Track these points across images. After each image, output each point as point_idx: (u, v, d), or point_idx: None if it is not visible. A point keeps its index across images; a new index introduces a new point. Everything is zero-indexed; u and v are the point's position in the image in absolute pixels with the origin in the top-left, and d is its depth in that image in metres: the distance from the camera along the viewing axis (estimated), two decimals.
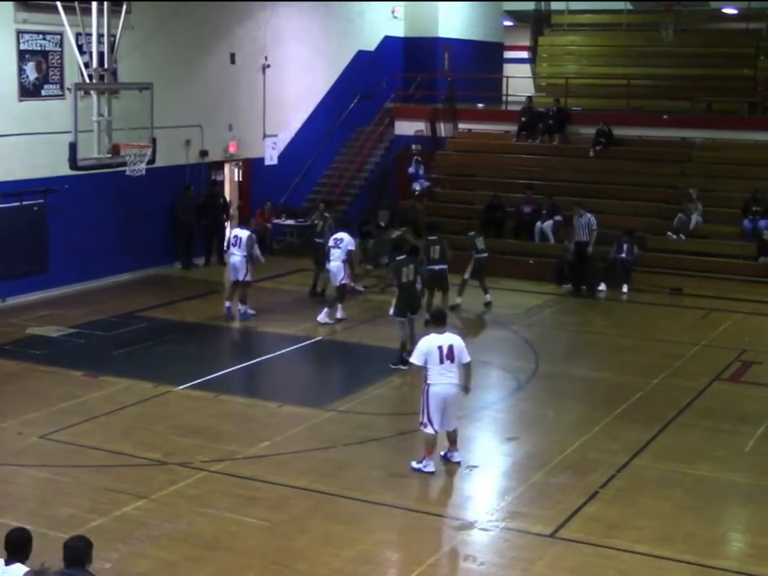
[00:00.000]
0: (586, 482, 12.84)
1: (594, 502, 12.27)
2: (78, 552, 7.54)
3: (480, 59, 34.93)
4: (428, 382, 12.97)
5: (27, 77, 21.70)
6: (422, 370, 13.06)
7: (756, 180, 25.91)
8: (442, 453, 13.40)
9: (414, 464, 13.10)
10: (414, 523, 11.76)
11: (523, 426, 15.20)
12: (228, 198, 27.78)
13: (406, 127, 31.32)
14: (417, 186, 28.93)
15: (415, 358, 13.08)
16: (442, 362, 12.88)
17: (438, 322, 13.32)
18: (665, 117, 29.06)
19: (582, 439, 14.40)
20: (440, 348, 12.90)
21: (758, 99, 30.87)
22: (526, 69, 37.57)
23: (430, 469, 13.01)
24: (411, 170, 29.52)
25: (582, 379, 17.41)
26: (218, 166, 27.70)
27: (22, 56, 21.55)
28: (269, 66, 28.22)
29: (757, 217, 24.86)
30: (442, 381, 12.92)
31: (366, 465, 13.40)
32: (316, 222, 23.94)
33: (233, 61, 27.20)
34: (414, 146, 30.32)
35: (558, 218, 26.08)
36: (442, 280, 20.40)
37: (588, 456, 13.80)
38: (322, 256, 21.39)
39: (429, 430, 13.05)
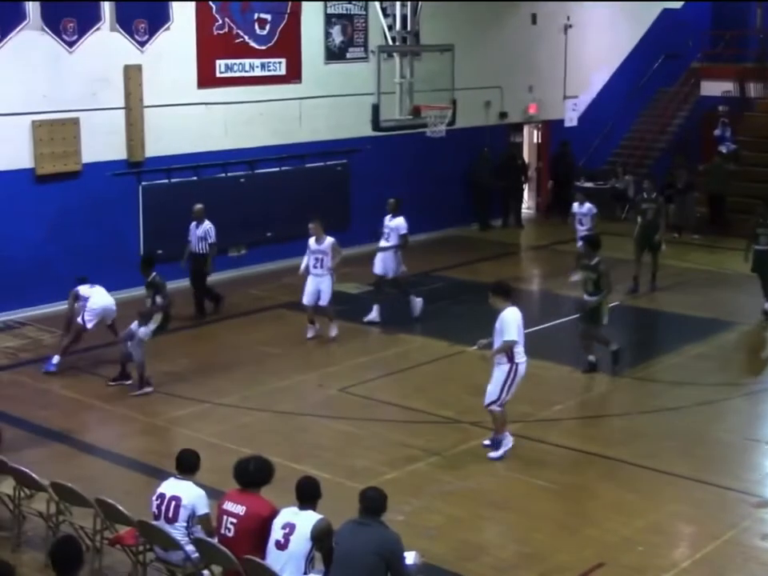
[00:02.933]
0: None
1: None
2: (373, 501, 7.75)
3: None
4: (516, 360, 12.11)
5: (333, 40, 22.35)
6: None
7: None
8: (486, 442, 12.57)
9: (495, 454, 12.28)
10: (709, 497, 11.38)
11: None
12: (527, 160, 27.69)
13: (712, 88, 30.10)
14: (723, 149, 27.83)
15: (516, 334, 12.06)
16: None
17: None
18: None
19: None
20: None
21: None
22: None
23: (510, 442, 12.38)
24: (717, 132, 28.40)
25: None
26: (518, 127, 27.63)
27: (329, 20, 22.20)
28: (571, 25, 27.83)
29: None
30: (525, 358, 12.20)
31: (660, 434, 13.07)
32: (617, 185, 23.48)
33: (534, 21, 26.98)
34: (720, 108, 29.14)
35: None
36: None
37: None
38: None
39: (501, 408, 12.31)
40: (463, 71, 20.82)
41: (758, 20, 32.36)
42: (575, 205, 21.13)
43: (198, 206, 17.91)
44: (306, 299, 16.73)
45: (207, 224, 17.85)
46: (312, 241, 16.68)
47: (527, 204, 28.17)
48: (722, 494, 11.39)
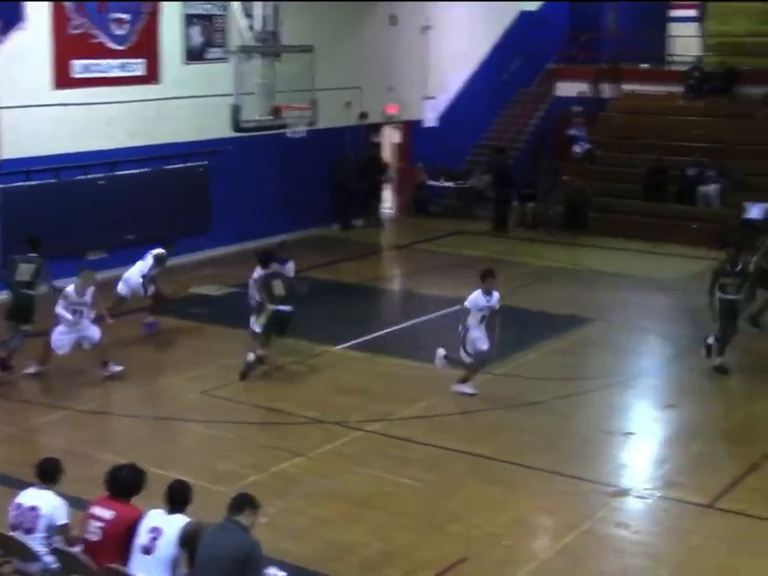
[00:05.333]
0: (748, 452, 12.52)
1: (755, 474, 11.96)
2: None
3: (644, 18, 34.06)
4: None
5: (193, 40, 22.16)
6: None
7: None
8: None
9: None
10: (568, 489, 11.66)
11: (682, 394, 14.88)
12: (387, 161, 27.88)
13: (568, 88, 30.76)
14: (577, 149, 28.49)
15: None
16: None
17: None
18: None
19: (744, 410, 14.06)
20: None
21: None
22: (693, 28, 36.46)
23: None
24: (572, 131, 29.06)
25: (747, 349, 16.90)
26: (378, 128, 27.80)
27: (188, 20, 22.01)
28: (429, 27, 28.12)
29: None
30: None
31: (521, 429, 13.34)
32: (475, 185, 23.81)
33: (393, 22, 27.19)
34: (574, 108, 29.81)
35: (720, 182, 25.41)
36: None
37: (750, 427, 13.48)
38: None
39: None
40: (324, 72, 20.90)
41: (610, 22, 33.19)
42: None
43: None
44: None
45: None
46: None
47: (388, 204, 28.35)
48: (580, 486, 11.68)
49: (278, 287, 15.37)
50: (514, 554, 10.17)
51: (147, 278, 16.93)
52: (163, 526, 7.87)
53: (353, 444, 12.75)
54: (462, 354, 14.19)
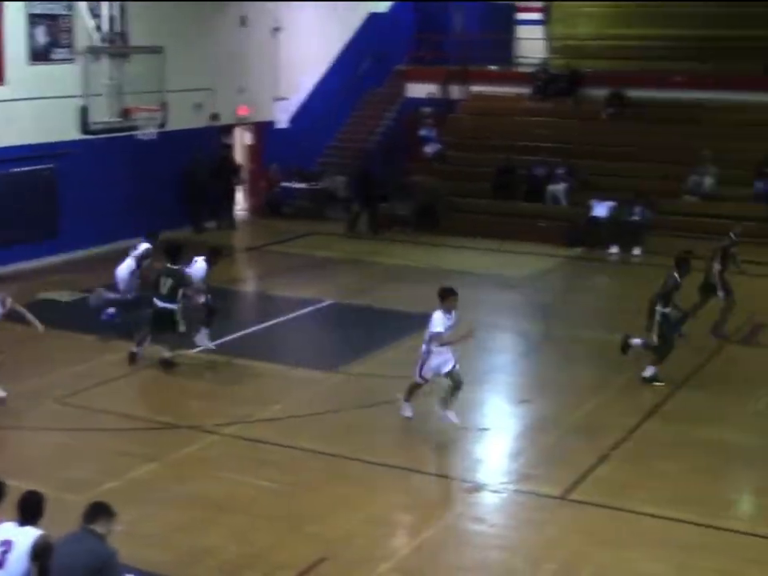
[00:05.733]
0: (598, 444, 12.85)
1: (605, 464, 12.30)
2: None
3: (492, 20, 34.64)
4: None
5: (37, 41, 21.63)
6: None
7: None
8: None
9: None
10: (425, 486, 11.81)
11: (534, 389, 15.21)
12: (239, 162, 27.73)
13: (417, 90, 31.09)
14: (428, 149, 28.82)
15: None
16: None
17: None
18: (678, 78, 28.81)
19: (594, 402, 14.41)
20: None
21: None
22: (539, 30, 37.22)
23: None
24: (423, 132, 29.37)
25: (594, 342, 17.36)
26: (230, 129, 27.63)
27: (32, 20, 21.47)
28: (279, 28, 28.07)
29: None
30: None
31: (377, 427, 13.44)
32: (328, 186, 23.84)
33: (243, 23, 27.06)
34: (424, 109, 30.13)
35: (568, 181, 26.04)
36: None
37: (599, 419, 13.82)
38: None
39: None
40: (174, 73, 20.71)
41: (458, 24, 33.62)
42: None
43: None
44: None
45: None
46: None
47: (241, 206, 28.19)
48: (437, 482, 11.86)
49: (165, 285, 15.24)
50: (373, 551, 10.23)
51: (136, 275, 17.41)
52: (14, 539, 7.66)
53: (209, 448, 12.66)
54: (417, 377, 13.29)
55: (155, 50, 19.07)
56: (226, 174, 26.47)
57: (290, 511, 11.05)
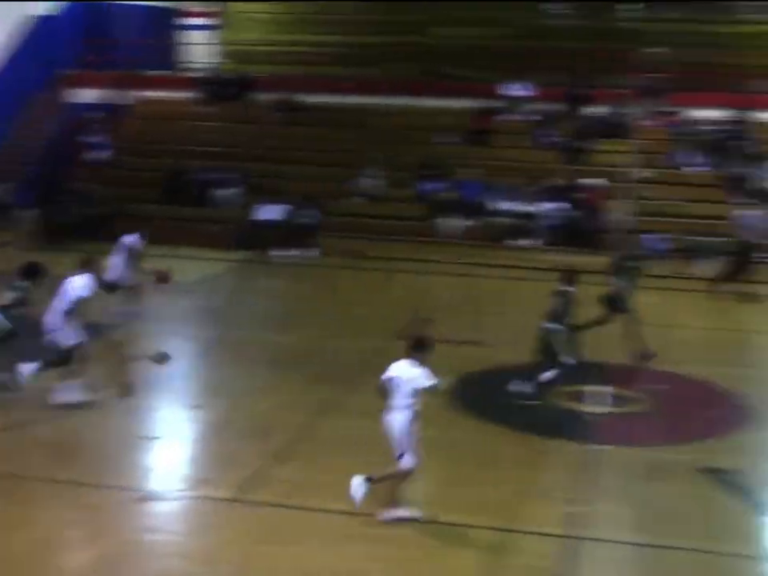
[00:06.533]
0: (271, 444, 12.91)
1: (279, 464, 12.38)
2: None
3: (152, 26, 34.23)
4: None
5: None
6: None
7: (428, 144, 26.91)
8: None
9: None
10: (98, 499, 11.42)
11: (207, 394, 15.15)
12: None
13: (84, 94, 30.39)
14: (96, 155, 28.21)
15: None
16: None
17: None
18: (347, 84, 29.52)
19: (267, 403, 14.50)
20: None
21: (431, 67, 31.74)
22: (207, 36, 37.15)
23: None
24: (89, 138, 28.71)
25: (266, 344, 17.47)
26: None
27: None
28: None
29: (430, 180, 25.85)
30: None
31: (36, 444, 12.91)
32: None
33: None
34: (91, 114, 29.47)
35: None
36: None
37: (273, 419, 13.90)
38: None
39: None
40: None
41: (122, 30, 33.07)
42: None
43: None
44: None
45: None
46: None
47: None
48: (110, 495, 11.48)
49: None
50: (45, 572, 9.79)
51: (127, 270, 18.13)
52: None
53: None
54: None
55: None
56: None
57: None
